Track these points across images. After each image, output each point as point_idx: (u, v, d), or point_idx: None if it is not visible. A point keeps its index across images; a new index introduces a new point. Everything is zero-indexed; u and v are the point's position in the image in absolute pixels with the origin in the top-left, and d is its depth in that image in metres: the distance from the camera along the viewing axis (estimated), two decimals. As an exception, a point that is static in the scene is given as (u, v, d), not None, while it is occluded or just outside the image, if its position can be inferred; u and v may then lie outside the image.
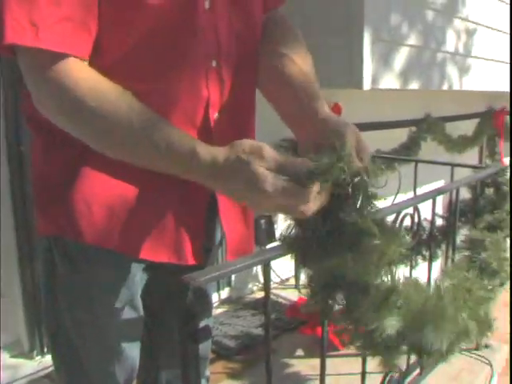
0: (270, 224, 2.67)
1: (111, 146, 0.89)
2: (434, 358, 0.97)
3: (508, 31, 4.06)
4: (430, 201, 1.81)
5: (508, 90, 4.32)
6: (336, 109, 2.80)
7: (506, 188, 2.01)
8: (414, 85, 3.05)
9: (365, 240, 0.83)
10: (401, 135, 3.64)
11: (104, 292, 1.02)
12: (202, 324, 1.04)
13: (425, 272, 1.98)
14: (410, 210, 1.82)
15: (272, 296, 2.40)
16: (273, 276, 2.88)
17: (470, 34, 3.56)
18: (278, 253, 1.06)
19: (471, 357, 2.31)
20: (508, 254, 1.54)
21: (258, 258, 1.10)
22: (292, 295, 2.90)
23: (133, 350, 1.11)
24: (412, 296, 0.91)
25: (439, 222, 2.33)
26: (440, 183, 3.72)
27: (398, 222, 1.76)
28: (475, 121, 4.64)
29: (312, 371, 2.14)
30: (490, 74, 3.97)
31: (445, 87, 3.39)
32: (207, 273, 0.97)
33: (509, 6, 3.99)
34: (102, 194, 0.97)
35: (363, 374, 1.53)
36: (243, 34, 1.02)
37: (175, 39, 0.92)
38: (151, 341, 1.20)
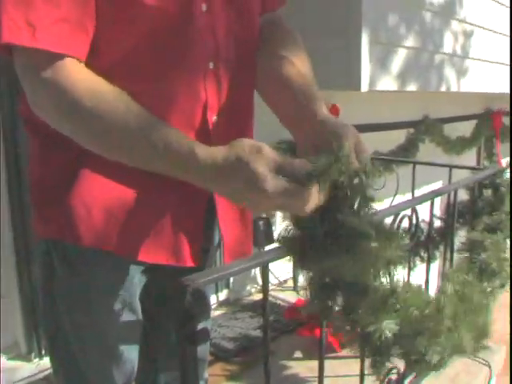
0: (269, 226, 2.67)
1: (109, 147, 0.88)
2: (422, 367, 0.97)
3: (505, 33, 4.07)
4: (428, 202, 1.81)
5: (506, 91, 4.33)
6: (334, 110, 2.80)
7: (504, 189, 2.01)
8: (412, 86, 3.05)
9: (362, 242, 0.83)
10: (399, 137, 3.64)
11: (103, 295, 1.02)
12: (200, 326, 1.04)
13: (423, 273, 1.99)
14: (408, 211, 1.82)
15: (270, 298, 2.40)
16: (271, 278, 2.87)
17: (468, 35, 3.57)
18: (277, 255, 1.06)
19: (469, 358, 2.31)
20: (507, 255, 1.54)
21: (257, 261, 1.10)
22: (290, 297, 2.89)
23: (131, 353, 1.11)
24: (410, 300, 0.91)
25: (437, 223, 2.33)
26: (438, 184, 3.72)
27: (396, 223, 1.76)
28: (473, 122, 4.65)
29: (310, 373, 2.14)
30: (487, 75, 3.98)
31: (443, 89, 3.40)
32: (206, 275, 0.97)
33: (505, 8, 4.00)
34: (100, 196, 0.97)
35: (361, 375, 1.53)
36: (241, 35, 1.02)
37: (172, 41, 0.92)
38: (149, 343, 1.20)
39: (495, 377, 2.37)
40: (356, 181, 0.83)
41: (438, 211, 2.44)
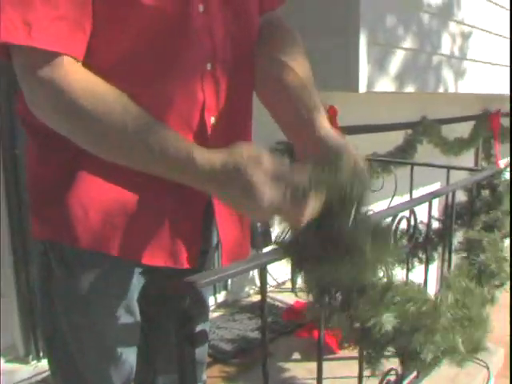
0: (266, 227, 2.67)
1: (106, 149, 0.88)
2: (417, 365, 0.98)
3: (503, 34, 4.08)
4: (427, 203, 1.81)
5: (504, 92, 4.34)
6: (332, 111, 2.80)
7: (502, 189, 2.01)
8: (410, 88, 3.05)
9: (357, 251, 0.83)
10: (397, 138, 3.64)
11: (100, 296, 1.02)
12: (198, 328, 1.04)
13: (421, 275, 1.98)
14: (406, 212, 1.82)
15: (268, 299, 2.39)
16: (269, 279, 2.87)
17: (466, 37, 3.57)
18: (275, 257, 1.06)
19: (462, 365, 2.31)
20: (506, 254, 1.54)
21: (255, 262, 1.10)
22: (288, 298, 2.89)
23: (130, 355, 1.11)
24: (409, 293, 0.92)
25: (435, 224, 2.33)
26: (436, 186, 3.72)
27: (395, 225, 1.76)
28: (471, 123, 4.65)
29: (309, 374, 2.13)
30: (485, 76, 3.98)
31: (440, 90, 3.40)
32: (204, 276, 0.97)
33: (502, 9, 4.00)
34: (97, 198, 0.97)
35: (360, 377, 1.53)
36: (239, 35, 1.02)
37: (169, 41, 0.92)
38: (148, 345, 1.20)
39: (493, 378, 2.37)
40: (352, 194, 0.83)
41: (436, 212, 2.44)
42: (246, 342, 2.41)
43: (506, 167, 2.14)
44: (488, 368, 2.28)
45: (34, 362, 2.18)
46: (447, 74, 3.44)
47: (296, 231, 0.88)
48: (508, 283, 1.46)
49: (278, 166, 0.83)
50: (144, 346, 1.16)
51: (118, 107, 0.85)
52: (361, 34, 2.54)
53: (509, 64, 4.23)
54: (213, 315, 2.69)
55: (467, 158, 4.61)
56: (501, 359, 2.49)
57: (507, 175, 2.13)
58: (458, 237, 2.03)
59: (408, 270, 2.10)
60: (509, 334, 2.67)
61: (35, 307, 2.08)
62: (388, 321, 0.88)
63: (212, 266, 1.28)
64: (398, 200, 2.74)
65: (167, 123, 0.92)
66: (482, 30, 3.74)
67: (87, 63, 0.88)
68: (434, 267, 2.56)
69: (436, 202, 2.03)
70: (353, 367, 1.56)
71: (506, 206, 1.95)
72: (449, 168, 2.24)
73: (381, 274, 0.89)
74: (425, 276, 1.96)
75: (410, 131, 3.73)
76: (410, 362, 0.98)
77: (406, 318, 0.91)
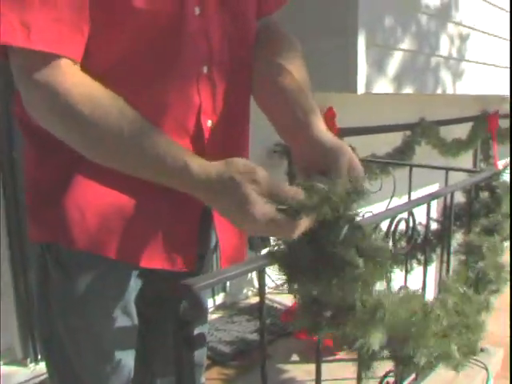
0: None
1: (102, 153, 0.88)
2: (410, 369, 0.98)
3: (501, 35, 4.08)
4: (425, 205, 1.81)
5: (502, 93, 4.35)
6: (330, 113, 2.81)
7: (501, 191, 2.01)
8: (408, 89, 3.05)
9: (348, 269, 0.83)
10: (395, 139, 3.64)
11: (97, 298, 1.01)
12: (197, 331, 1.04)
13: (420, 276, 1.98)
14: (405, 214, 1.82)
15: (267, 301, 2.38)
16: (268, 281, 2.86)
17: (464, 38, 3.57)
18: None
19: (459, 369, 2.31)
20: (503, 259, 1.54)
21: (253, 265, 1.10)
22: (287, 300, 2.88)
23: (127, 357, 1.10)
24: (398, 311, 0.92)
25: (434, 226, 2.33)
26: (435, 187, 3.73)
27: (393, 226, 1.76)
28: (469, 124, 4.66)
29: (307, 376, 2.14)
30: (483, 77, 3.98)
31: (439, 91, 3.40)
32: (202, 279, 0.97)
33: (499, 10, 4.01)
34: (93, 202, 0.96)
35: (359, 378, 1.53)
36: (236, 38, 1.01)
37: (164, 45, 0.92)
38: (146, 348, 1.19)
39: (492, 379, 2.37)
40: (344, 213, 0.83)
41: (434, 214, 2.44)
42: (244, 344, 2.41)
43: (504, 168, 2.13)
44: (487, 369, 2.28)
45: (32, 364, 2.18)
46: (445, 75, 3.45)
47: (289, 243, 0.88)
48: (504, 289, 1.46)
49: (272, 183, 0.82)
50: (142, 348, 1.16)
51: (115, 111, 0.85)
52: (359, 36, 2.54)
53: (507, 65, 4.23)
54: (211, 317, 2.68)
55: (465, 160, 4.61)
56: (499, 360, 2.49)
57: (506, 177, 2.12)
58: (457, 238, 2.04)
59: (406, 271, 2.10)
60: (508, 335, 2.67)
61: (33, 310, 2.07)
62: (376, 342, 0.88)
63: (210, 269, 1.28)
64: (397, 201, 2.74)
65: (163, 127, 0.92)
66: (480, 31, 3.75)
67: (84, 68, 0.88)
68: (432, 268, 2.56)
69: (434, 203, 2.03)
70: (352, 369, 1.56)
71: (505, 208, 1.95)
72: (447, 169, 2.24)
73: (373, 290, 0.88)
74: (423, 277, 1.96)
75: (408, 132, 3.73)
76: (403, 366, 0.98)
77: (395, 328, 0.91)
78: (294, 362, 2.33)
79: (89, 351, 1.06)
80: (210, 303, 2.81)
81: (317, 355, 1.38)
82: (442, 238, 2.11)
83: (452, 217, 1.98)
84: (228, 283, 2.92)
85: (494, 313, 1.30)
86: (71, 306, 1.02)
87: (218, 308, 2.87)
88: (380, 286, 0.90)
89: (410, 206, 1.77)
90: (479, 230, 1.73)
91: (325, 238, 0.84)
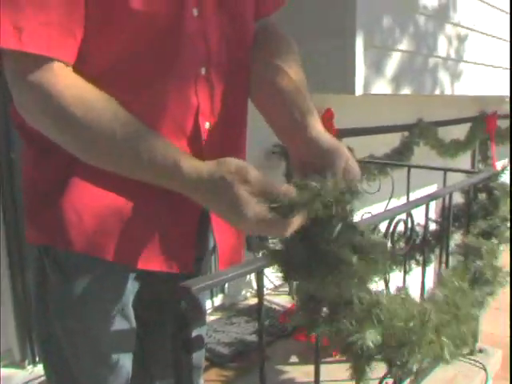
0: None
1: (96, 155, 0.88)
2: (403, 374, 0.99)
3: (500, 35, 4.09)
4: (423, 206, 1.81)
5: (500, 94, 4.35)
6: (328, 114, 2.81)
7: (499, 193, 2.01)
8: (407, 90, 3.06)
9: (343, 267, 0.83)
10: (393, 140, 3.64)
11: (95, 301, 1.01)
12: (195, 333, 1.03)
13: (419, 277, 1.98)
14: (404, 215, 1.82)
15: (265, 302, 2.39)
16: (266, 282, 2.86)
17: (462, 39, 3.58)
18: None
19: (466, 362, 2.31)
20: (502, 261, 1.55)
21: (252, 266, 1.09)
22: (285, 301, 2.89)
23: (126, 360, 1.10)
24: (396, 311, 0.92)
25: (433, 226, 2.33)
26: (433, 188, 3.73)
27: (392, 227, 1.76)
28: (467, 125, 4.66)
29: (306, 378, 2.13)
30: (481, 78, 3.99)
31: (437, 92, 3.40)
32: (200, 281, 0.97)
33: (498, 11, 4.01)
34: (90, 204, 0.96)
35: (358, 380, 1.52)
36: (234, 39, 1.01)
37: (162, 46, 0.91)
38: (144, 351, 1.19)
39: (491, 380, 2.37)
40: (338, 211, 0.83)
41: (433, 214, 2.45)
42: (243, 346, 2.40)
43: (503, 169, 2.13)
44: (485, 370, 2.28)
45: (30, 366, 2.17)
46: (443, 76, 3.45)
47: (283, 240, 0.88)
48: (498, 292, 1.47)
49: (264, 181, 0.83)
50: (140, 351, 1.15)
51: (108, 114, 0.84)
52: (357, 37, 2.54)
53: (505, 66, 4.24)
54: (210, 318, 2.68)
55: (464, 160, 4.61)
56: (498, 361, 2.49)
57: (504, 178, 2.12)
58: (456, 239, 2.03)
59: (405, 272, 2.10)
60: (508, 335, 2.67)
61: (31, 311, 2.07)
62: (372, 338, 0.88)
63: (208, 270, 1.27)
64: (395, 202, 2.74)
65: (161, 128, 0.92)
66: (478, 32, 3.75)
67: (80, 69, 0.87)
68: (431, 269, 2.56)
69: (433, 204, 2.03)
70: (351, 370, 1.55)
71: (503, 211, 1.95)
72: (446, 170, 2.24)
73: (369, 287, 0.88)
74: (422, 278, 1.96)
75: (406, 133, 3.73)
76: (396, 371, 0.99)
77: (391, 335, 0.91)
78: (293, 364, 2.33)
79: (86, 354, 1.06)
80: (208, 304, 2.80)
81: (316, 356, 1.38)
82: (440, 238, 2.12)
83: (451, 218, 1.98)
84: (226, 285, 2.92)
85: (494, 313, 1.30)
86: (69, 309, 1.02)
87: (216, 309, 2.87)
88: (378, 286, 0.91)
89: (408, 207, 1.77)
90: (477, 232, 1.73)
91: (318, 235, 0.84)
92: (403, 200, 2.44)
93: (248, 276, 2.87)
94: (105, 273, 1.00)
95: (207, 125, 1.00)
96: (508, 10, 4.08)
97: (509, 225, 1.89)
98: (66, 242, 0.96)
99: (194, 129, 0.99)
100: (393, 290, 1.00)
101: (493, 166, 4.75)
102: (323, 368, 1.40)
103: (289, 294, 2.98)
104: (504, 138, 4.90)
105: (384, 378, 1.68)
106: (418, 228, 2.11)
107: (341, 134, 2.83)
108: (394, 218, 1.73)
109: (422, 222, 2.03)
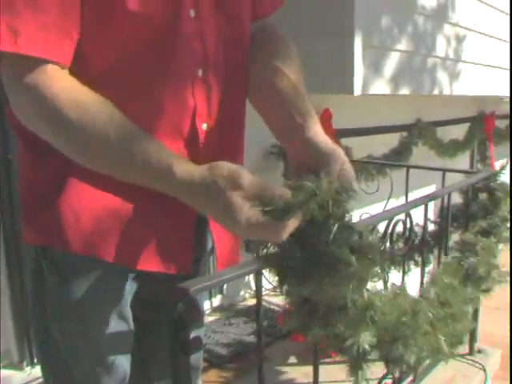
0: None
1: (91, 158, 0.88)
2: (400, 368, 0.99)
3: (498, 36, 4.09)
4: (422, 206, 1.81)
5: (498, 94, 4.35)
6: (326, 114, 2.80)
7: (499, 193, 2.01)
8: (405, 90, 3.06)
9: (341, 268, 0.82)
10: (392, 140, 3.64)
11: (92, 302, 1.01)
12: (193, 334, 1.03)
13: (417, 277, 1.98)
14: (402, 215, 1.82)
15: (264, 303, 2.38)
16: (265, 283, 2.86)
17: (461, 39, 3.58)
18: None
19: (465, 362, 2.31)
20: (502, 260, 1.54)
21: (250, 267, 1.09)
22: (284, 302, 2.88)
23: (123, 361, 1.10)
24: (388, 310, 0.92)
25: (431, 227, 2.33)
26: (432, 188, 3.73)
27: (390, 228, 1.75)
28: (466, 125, 4.66)
29: (305, 378, 2.13)
30: (480, 78, 3.99)
31: (435, 92, 3.40)
32: (198, 282, 0.96)
33: (496, 11, 4.01)
34: (88, 205, 0.96)
35: (356, 380, 1.52)
36: (231, 40, 1.01)
37: (160, 47, 0.91)
38: (142, 352, 1.19)
39: (490, 380, 2.37)
40: (333, 211, 0.83)
41: (431, 215, 2.44)
42: (241, 347, 2.40)
43: (501, 169, 2.13)
44: (485, 370, 2.28)
45: (29, 368, 2.17)
46: (442, 76, 3.45)
47: (279, 244, 0.87)
48: (495, 289, 1.47)
49: (258, 184, 0.82)
50: (138, 351, 1.15)
51: (103, 116, 0.84)
52: (355, 37, 2.54)
53: (504, 66, 4.24)
54: (208, 319, 2.68)
55: (462, 161, 4.61)
56: (497, 361, 2.49)
57: (503, 177, 2.12)
58: (454, 239, 2.03)
59: (404, 272, 2.10)
60: (508, 335, 2.67)
61: (29, 313, 2.06)
62: (366, 340, 0.88)
63: (207, 271, 1.27)
64: (394, 203, 2.74)
65: (157, 129, 0.92)
66: (476, 32, 3.75)
67: (77, 72, 0.87)
68: (430, 270, 2.56)
69: (432, 204, 2.03)
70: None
71: (503, 210, 1.95)
72: (444, 170, 2.24)
73: (364, 289, 0.88)
74: (421, 279, 1.96)
75: (405, 133, 3.73)
76: (393, 366, 0.99)
77: (385, 330, 0.91)
78: (292, 364, 2.32)
79: (84, 355, 1.05)
80: (207, 305, 2.80)
81: (314, 357, 1.38)
82: (439, 239, 2.11)
83: (449, 218, 1.98)
84: (225, 285, 2.92)
85: (494, 313, 1.30)
86: (66, 310, 1.02)
87: (215, 310, 2.87)
88: (376, 285, 0.90)
89: (407, 208, 1.77)
90: (476, 231, 1.73)
91: (315, 237, 0.83)
92: (402, 200, 2.44)
93: (247, 277, 2.87)
94: (102, 274, 0.99)
95: (204, 126, 1.00)
96: (506, 10, 4.08)
97: (508, 225, 1.89)
98: (64, 243, 0.96)
99: (191, 130, 0.98)
100: (390, 290, 1.00)
101: (491, 166, 4.75)
102: (322, 369, 1.39)
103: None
104: (502, 138, 4.90)
105: (383, 378, 1.68)
106: (416, 228, 2.11)
107: (339, 134, 2.82)
108: (392, 218, 1.72)
109: (421, 223, 2.03)
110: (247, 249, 2.10)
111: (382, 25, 2.75)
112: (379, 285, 0.91)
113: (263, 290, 1.27)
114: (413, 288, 1.27)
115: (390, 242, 1.82)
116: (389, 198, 2.90)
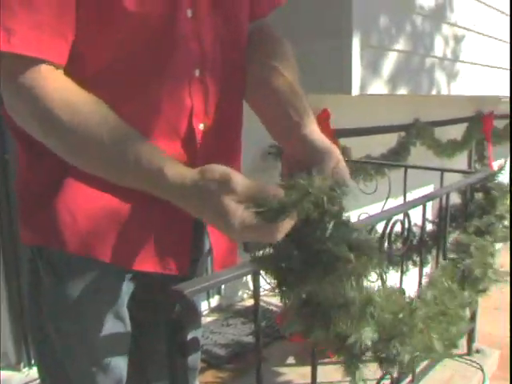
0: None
1: (84, 160, 0.87)
2: (394, 367, 0.98)
3: (496, 36, 4.09)
4: (420, 206, 1.81)
5: (496, 94, 4.35)
6: (324, 114, 2.80)
7: (496, 193, 2.01)
8: (403, 90, 3.06)
9: (340, 265, 0.81)
10: (390, 140, 3.64)
11: (89, 303, 1.00)
12: (190, 335, 1.03)
13: (416, 277, 1.98)
14: (401, 216, 1.82)
15: (262, 303, 2.38)
16: (263, 283, 2.85)
17: (459, 39, 3.58)
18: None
19: (463, 362, 2.32)
20: (493, 260, 1.54)
21: (247, 268, 1.09)
22: (282, 305, 2.88)
23: (120, 361, 1.09)
24: (387, 306, 0.91)
25: (430, 227, 2.33)
26: (430, 188, 3.73)
27: (389, 228, 1.75)
28: (464, 125, 4.67)
29: (303, 379, 2.13)
30: (478, 78, 3.99)
31: (433, 92, 3.41)
32: (195, 284, 0.96)
33: (495, 11, 4.02)
34: (84, 206, 0.96)
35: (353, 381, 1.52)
36: (228, 40, 1.01)
37: (156, 48, 0.91)
38: (139, 353, 1.18)
39: (488, 380, 2.37)
40: (328, 209, 0.82)
41: (430, 215, 2.44)
42: (239, 347, 2.40)
43: (500, 169, 2.13)
44: (483, 370, 2.28)
45: (26, 369, 2.16)
46: (440, 76, 3.45)
47: (274, 244, 0.87)
48: (492, 289, 1.46)
49: (250, 186, 0.81)
50: (135, 353, 1.15)
51: (96, 117, 0.84)
52: (353, 37, 2.54)
53: (503, 66, 4.24)
54: (206, 320, 2.67)
55: (460, 161, 4.62)
56: (495, 361, 2.50)
57: (501, 178, 2.12)
58: (452, 239, 2.03)
59: (402, 272, 2.10)
60: (508, 335, 2.67)
61: (26, 314, 2.06)
62: (367, 336, 0.88)
63: (204, 272, 1.27)
64: (392, 203, 2.74)
65: (154, 130, 0.91)
66: (474, 32, 3.75)
67: (73, 72, 0.87)
68: (428, 270, 2.56)
69: (430, 204, 2.03)
70: (348, 372, 1.55)
71: (499, 210, 1.95)
72: (442, 170, 2.24)
73: (363, 286, 0.87)
74: (419, 279, 1.96)
75: (403, 133, 3.73)
76: (387, 365, 0.98)
77: (383, 327, 0.91)
78: (290, 365, 2.32)
79: (81, 356, 1.05)
80: (204, 306, 2.80)
81: (312, 358, 1.37)
82: (437, 239, 2.11)
83: (448, 218, 1.98)
84: (223, 286, 2.91)
85: (493, 313, 1.30)
86: (63, 311, 1.01)
87: (212, 311, 2.86)
88: (374, 284, 0.90)
89: (405, 208, 1.77)
90: (472, 231, 1.74)
91: (311, 235, 0.82)
92: (400, 200, 2.44)
93: (245, 277, 2.87)
94: (99, 274, 0.99)
95: (201, 126, 1.00)
96: (504, 10, 4.08)
97: (505, 223, 1.89)
98: (60, 243, 0.95)
99: (188, 130, 0.98)
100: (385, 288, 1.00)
101: (489, 166, 4.76)
102: (320, 369, 1.39)
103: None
104: (501, 138, 4.91)
105: (381, 378, 1.68)
106: (415, 228, 2.11)
107: (337, 134, 2.82)
108: (390, 218, 1.72)
109: (419, 223, 2.03)
110: (245, 249, 2.10)
111: (380, 25, 2.75)
112: (377, 283, 0.91)
113: (261, 290, 1.27)
114: (410, 288, 1.27)
115: (389, 242, 1.82)
116: (387, 198, 2.90)
